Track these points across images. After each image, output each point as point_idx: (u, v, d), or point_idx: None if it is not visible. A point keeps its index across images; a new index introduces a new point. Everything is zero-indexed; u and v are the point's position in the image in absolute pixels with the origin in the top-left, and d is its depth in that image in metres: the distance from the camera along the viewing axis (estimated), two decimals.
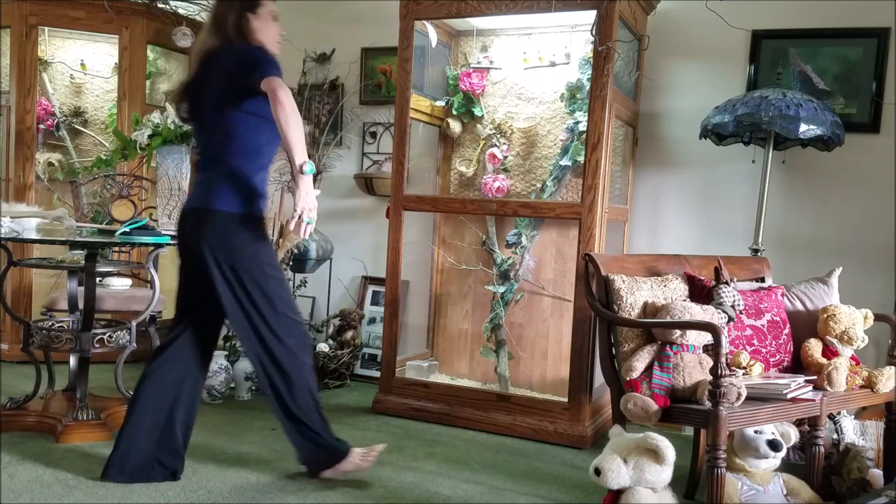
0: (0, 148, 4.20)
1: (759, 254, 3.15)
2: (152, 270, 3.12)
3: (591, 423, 3.16)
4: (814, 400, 2.34)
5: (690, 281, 2.66)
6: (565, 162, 3.44)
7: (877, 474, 2.49)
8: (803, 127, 2.92)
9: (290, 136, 2.29)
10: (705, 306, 2.43)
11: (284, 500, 2.44)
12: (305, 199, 2.38)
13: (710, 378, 2.19)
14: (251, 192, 2.48)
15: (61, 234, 2.89)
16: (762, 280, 2.90)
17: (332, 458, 2.56)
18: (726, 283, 2.57)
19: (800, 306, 2.78)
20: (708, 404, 2.17)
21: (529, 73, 3.66)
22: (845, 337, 2.56)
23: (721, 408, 2.11)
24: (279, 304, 2.47)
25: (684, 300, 2.55)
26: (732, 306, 2.52)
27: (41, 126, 4.35)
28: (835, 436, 2.66)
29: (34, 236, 2.89)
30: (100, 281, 3.64)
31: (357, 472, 2.60)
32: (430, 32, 3.58)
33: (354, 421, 3.35)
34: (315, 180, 4.16)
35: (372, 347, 4.16)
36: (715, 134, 3.23)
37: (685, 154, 3.59)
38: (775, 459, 2.35)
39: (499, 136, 3.69)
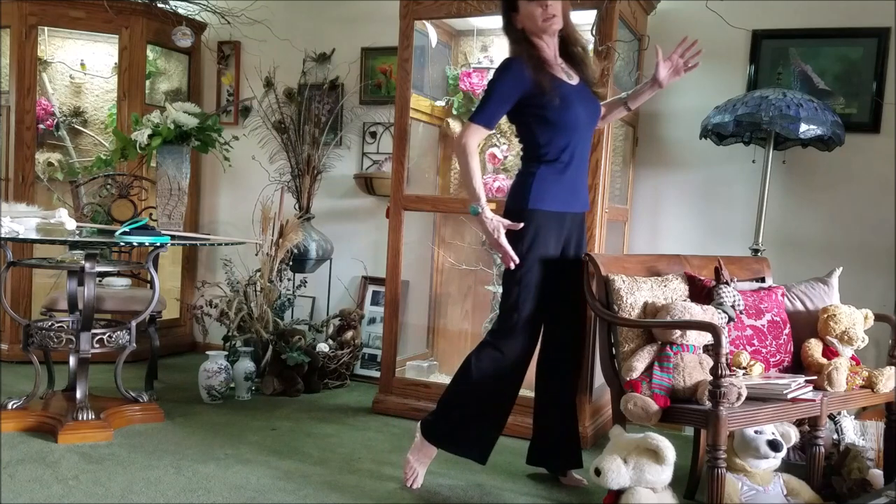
0: (0, 148, 4.20)
1: (759, 254, 3.15)
2: (152, 270, 3.12)
3: (591, 423, 3.16)
4: (814, 400, 2.33)
5: (690, 281, 2.66)
6: None
7: (877, 474, 2.49)
8: (803, 127, 2.92)
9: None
10: (705, 306, 2.43)
11: (284, 500, 2.44)
12: (486, 238, 2.52)
13: (710, 378, 2.19)
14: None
15: (61, 234, 2.89)
16: (762, 280, 2.90)
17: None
18: (726, 283, 2.56)
19: (800, 306, 2.77)
20: (708, 404, 2.16)
21: None
22: (845, 337, 2.56)
23: (721, 408, 2.11)
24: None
25: (684, 300, 2.54)
26: (732, 306, 2.52)
27: (41, 126, 4.35)
28: (835, 436, 2.65)
29: (34, 236, 2.89)
30: (100, 281, 3.64)
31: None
32: (430, 32, 3.58)
33: (354, 421, 3.35)
34: (315, 180, 4.21)
35: (372, 347, 4.16)
36: (715, 134, 3.23)
37: (685, 154, 3.59)
38: (775, 460, 2.35)
39: (499, 136, 3.69)
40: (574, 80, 2.58)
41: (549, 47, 2.55)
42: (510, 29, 2.55)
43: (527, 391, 3.53)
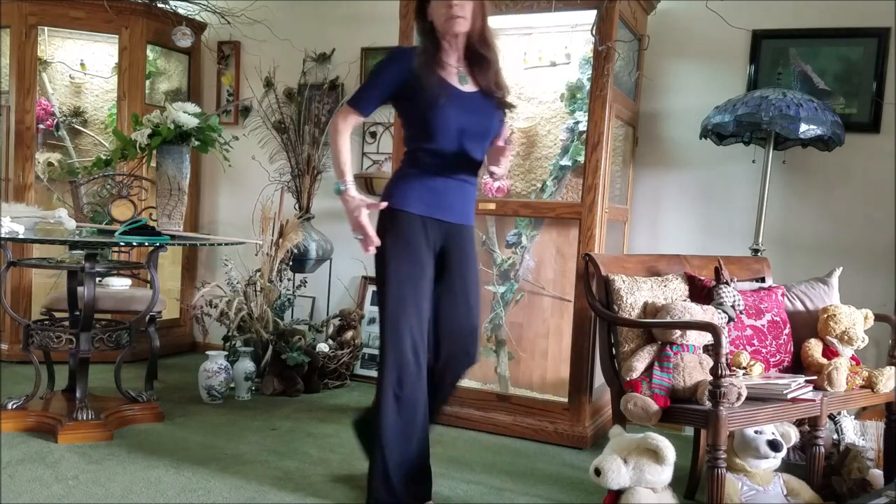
0: (0, 148, 4.21)
1: (759, 254, 3.15)
2: (152, 270, 3.11)
3: (591, 424, 3.16)
4: (814, 400, 2.33)
5: (690, 281, 2.66)
6: (565, 162, 3.44)
7: (877, 474, 2.49)
8: (803, 127, 2.92)
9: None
10: (705, 306, 2.43)
11: (284, 499, 2.44)
12: (348, 217, 2.30)
13: (710, 378, 2.19)
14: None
15: (61, 234, 2.89)
16: (762, 280, 2.90)
17: None
18: (726, 283, 2.57)
19: (800, 306, 2.78)
20: (708, 404, 2.16)
21: (529, 73, 3.65)
22: (845, 337, 2.56)
23: (721, 408, 2.11)
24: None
25: (684, 300, 2.54)
26: (732, 306, 2.52)
27: (41, 126, 4.36)
28: (835, 436, 2.66)
29: (34, 236, 2.89)
30: (99, 281, 3.64)
31: None
32: None
33: None
34: (315, 180, 4.21)
35: (372, 347, 4.16)
36: (715, 134, 3.23)
37: (685, 154, 3.59)
38: (775, 460, 2.35)
39: None
40: (468, 87, 2.38)
41: (452, 48, 2.38)
42: (420, 18, 2.41)
43: (529, 392, 3.54)
